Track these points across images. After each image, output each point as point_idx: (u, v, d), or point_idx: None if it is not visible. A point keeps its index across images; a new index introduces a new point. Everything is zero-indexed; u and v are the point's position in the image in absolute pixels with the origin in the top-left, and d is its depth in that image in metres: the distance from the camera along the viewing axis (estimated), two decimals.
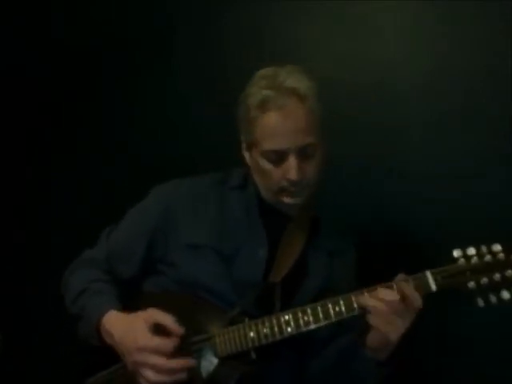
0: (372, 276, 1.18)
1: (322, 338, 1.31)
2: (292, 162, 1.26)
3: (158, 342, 1.19)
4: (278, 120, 1.25)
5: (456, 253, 1.14)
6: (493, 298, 1.12)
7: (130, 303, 1.34)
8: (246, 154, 1.38)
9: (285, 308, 1.25)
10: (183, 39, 1.97)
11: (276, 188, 1.31)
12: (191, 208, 1.37)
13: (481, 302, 1.12)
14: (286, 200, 1.32)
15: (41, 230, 2.10)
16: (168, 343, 1.19)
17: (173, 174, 1.47)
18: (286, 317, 1.20)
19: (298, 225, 1.38)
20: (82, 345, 1.34)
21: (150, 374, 1.18)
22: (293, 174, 1.26)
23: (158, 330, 1.21)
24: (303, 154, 1.27)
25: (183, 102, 1.96)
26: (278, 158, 1.27)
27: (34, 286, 1.98)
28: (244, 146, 1.38)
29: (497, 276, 1.11)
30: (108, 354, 1.27)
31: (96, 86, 2.06)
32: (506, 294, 1.11)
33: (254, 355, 1.23)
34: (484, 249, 1.14)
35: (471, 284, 1.12)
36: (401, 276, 1.17)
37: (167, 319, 1.22)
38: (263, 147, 1.28)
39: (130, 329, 1.22)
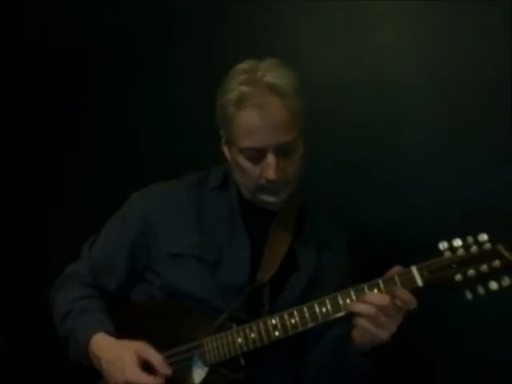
0: (372, 277, 1.18)
1: (314, 333, 1.28)
2: (270, 160, 1.22)
3: (146, 379, 1.19)
4: (255, 117, 1.20)
5: (442, 245, 1.12)
6: (481, 290, 1.09)
7: (118, 313, 1.34)
8: (225, 150, 1.34)
9: (275, 305, 1.24)
10: (183, 39, 1.97)
11: (254, 186, 1.27)
12: (170, 215, 1.35)
13: (469, 295, 1.10)
14: (265, 198, 1.28)
15: (41, 230, 2.10)
16: (155, 382, 1.19)
17: (173, 174, 1.47)
18: (273, 321, 1.19)
19: (283, 220, 1.35)
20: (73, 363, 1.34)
21: None
22: (271, 173, 1.22)
23: (146, 364, 1.22)
24: (283, 151, 1.23)
25: (183, 101, 1.96)
26: (256, 155, 1.23)
27: (34, 286, 1.98)
28: (223, 141, 1.34)
29: (484, 267, 1.08)
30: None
31: (96, 85, 2.05)
32: (493, 285, 1.08)
33: (242, 361, 1.23)
34: (470, 240, 1.11)
35: (458, 277, 1.09)
36: (394, 269, 1.15)
37: (156, 359, 1.21)
38: (241, 144, 1.24)
39: (118, 358, 1.21)
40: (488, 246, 1.09)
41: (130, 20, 2.01)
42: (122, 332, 1.27)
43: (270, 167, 1.22)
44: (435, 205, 1.62)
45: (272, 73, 1.23)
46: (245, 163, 1.25)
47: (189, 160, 1.84)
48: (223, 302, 1.28)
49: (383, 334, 1.11)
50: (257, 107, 1.20)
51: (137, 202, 1.41)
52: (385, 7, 1.69)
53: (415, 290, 1.12)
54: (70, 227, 1.99)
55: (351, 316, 1.14)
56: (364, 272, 1.20)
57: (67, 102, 2.09)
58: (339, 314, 1.15)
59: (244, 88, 1.21)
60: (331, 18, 1.76)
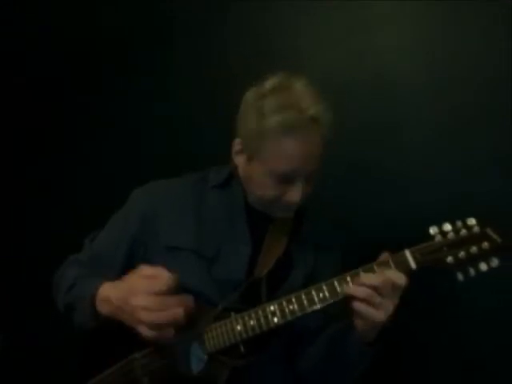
0: None
1: (311, 329, 1.32)
2: (298, 186, 1.25)
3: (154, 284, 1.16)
4: (296, 147, 1.22)
5: (432, 230, 1.15)
6: (471, 271, 1.12)
7: None
8: (240, 159, 1.33)
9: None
10: (183, 39, 1.97)
11: (268, 202, 1.30)
12: (170, 211, 1.36)
13: (460, 276, 1.13)
14: (277, 213, 1.32)
15: (41, 230, 2.10)
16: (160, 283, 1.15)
17: (173, 174, 1.47)
18: (272, 307, 1.21)
19: (282, 220, 1.37)
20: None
21: (146, 316, 1.14)
22: (296, 197, 1.25)
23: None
24: (308, 177, 1.27)
25: (183, 101, 1.96)
26: (284, 179, 1.25)
27: (34, 286, 1.98)
28: (238, 148, 1.32)
29: (474, 249, 1.12)
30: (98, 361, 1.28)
31: (96, 85, 2.06)
32: (483, 266, 1.12)
33: (242, 349, 1.24)
34: (459, 224, 1.15)
35: (449, 259, 1.13)
36: (384, 255, 1.18)
37: (158, 270, 1.17)
38: (273, 167, 1.24)
39: (128, 288, 1.18)
40: (477, 229, 1.13)
41: (130, 20, 2.02)
42: (120, 325, 1.27)
43: (296, 192, 1.25)
44: (435, 205, 1.62)
45: (316, 105, 1.23)
46: (268, 181, 1.26)
47: (189, 160, 1.84)
48: (220, 296, 1.29)
49: (380, 315, 1.13)
50: (300, 138, 1.22)
51: (138, 198, 1.42)
52: (385, 7, 1.69)
53: (409, 273, 1.14)
54: (70, 227, 1.99)
55: (347, 302, 1.16)
56: None
57: (67, 101, 2.09)
58: (336, 298, 1.17)
59: (290, 117, 1.21)
60: (331, 18, 1.76)
